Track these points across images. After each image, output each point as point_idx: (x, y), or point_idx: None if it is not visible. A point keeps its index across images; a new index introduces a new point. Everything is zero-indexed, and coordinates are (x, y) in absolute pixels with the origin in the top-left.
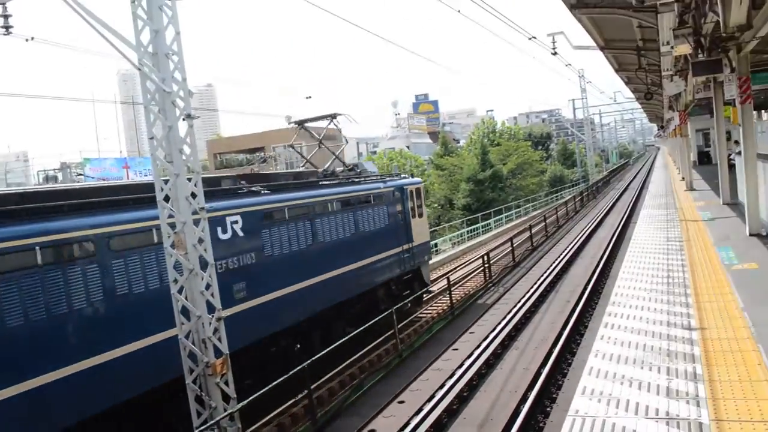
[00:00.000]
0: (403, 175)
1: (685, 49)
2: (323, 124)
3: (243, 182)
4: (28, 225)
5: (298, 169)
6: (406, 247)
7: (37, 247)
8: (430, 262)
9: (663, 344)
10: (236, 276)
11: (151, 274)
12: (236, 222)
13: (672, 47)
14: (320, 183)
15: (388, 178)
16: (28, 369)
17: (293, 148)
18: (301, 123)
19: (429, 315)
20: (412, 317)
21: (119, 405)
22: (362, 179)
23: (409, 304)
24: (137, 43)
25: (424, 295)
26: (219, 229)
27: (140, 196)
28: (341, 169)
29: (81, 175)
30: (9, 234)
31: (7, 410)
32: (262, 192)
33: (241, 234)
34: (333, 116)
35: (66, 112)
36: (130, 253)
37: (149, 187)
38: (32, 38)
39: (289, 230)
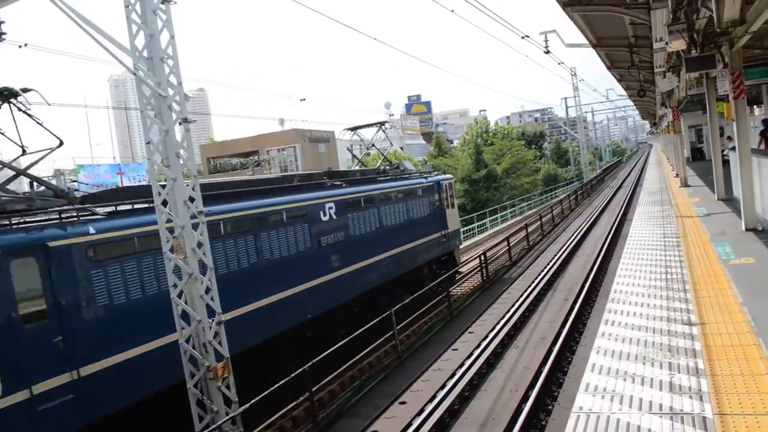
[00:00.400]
0: (435, 172)
1: (679, 45)
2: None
3: (325, 178)
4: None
5: (360, 168)
6: (443, 232)
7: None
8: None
9: (664, 340)
10: (333, 249)
11: (281, 246)
12: (332, 208)
13: (666, 43)
14: (378, 179)
15: (426, 175)
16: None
17: (350, 151)
18: (354, 129)
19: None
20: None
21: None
22: (408, 176)
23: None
24: (132, 47)
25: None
26: (321, 213)
27: (273, 187)
28: (388, 167)
29: (75, 181)
30: (133, 222)
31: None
32: (343, 185)
33: (334, 217)
34: (382, 124)
35: (58, 118)
36: (259, 231)
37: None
38: (26, 45)
39: (364, 216)
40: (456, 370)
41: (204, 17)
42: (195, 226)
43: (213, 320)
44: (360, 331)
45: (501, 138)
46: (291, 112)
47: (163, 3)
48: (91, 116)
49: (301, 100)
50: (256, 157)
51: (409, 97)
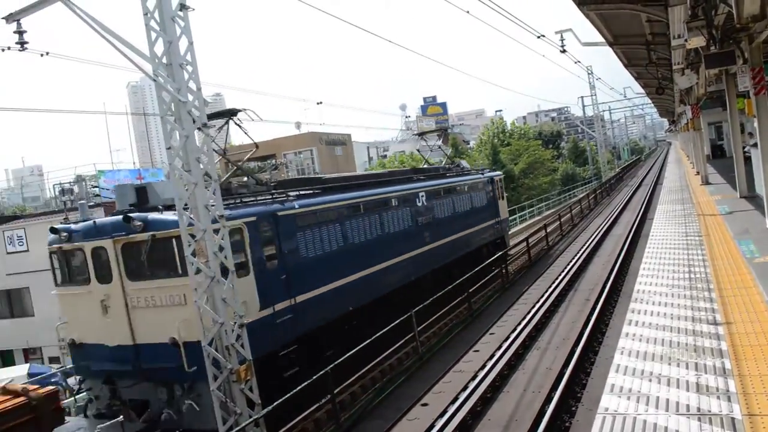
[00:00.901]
0: (487, 169)
1: (698, 41)
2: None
3: (413, 174)
4: (320, 198)
5: (435, 165)
6: (497, 219)
7: (313, 213)
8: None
9: (689, 340)
10: (425, 228)
11: (387, 224)
12: (423, 195)
13: (685, 40)
14: (447, 174)
15: (483, 171)
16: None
17: (419, 152)
18: (421, 134)
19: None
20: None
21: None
22: (468, 172)
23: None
24: (151, 54)
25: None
26: (416, 200)
27: (371, 182)
28: (449, 165)
29: (96, 187)
30: (329, 199)
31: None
32: (425, 179)
33: (425, 203)
34: (444, 130)
35: (79, 124)
36: (366, 213)
37: (375, 175)
38: (47, 53)
39: (443, 203)
40: (478, 371)
41: (219, 22)
42: (216, 231)
43: (235, 323)
44: (380, 333)
45: (518, 138)
46: (308, 115)
47: (181, 10)
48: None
49: (318, 103)
50: (274, 161)
51: (424, 99)
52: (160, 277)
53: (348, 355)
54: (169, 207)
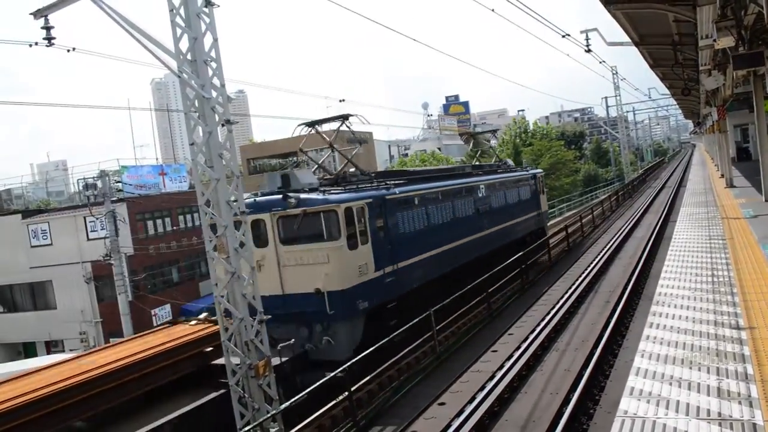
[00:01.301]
0: (530, 167)
1: (727, 42)
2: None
3: (472, 169)
4: (411, 186)
5: (489, 163)
6: (538, 211)
7: (407, 199)
8: None
9: (711, 344)
10: (484, 215)
11: (457, 210)
12: (482, 188)
13: (714, 40)
14: (498, 170)
15: (527, 168)
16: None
17: (470, 153)
18: (470, 134)
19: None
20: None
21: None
22: (515, 169)
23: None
24: (176, 50)
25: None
26: (477, 191)
27: (445, 174)
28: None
29: (119, 182)
30: (416, 187)
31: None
32: (481, 174)
33: (484, 194)
34: (494, 131)
35: (103, 120)
36: (445, 200)
37: (444, 169)
38: (73, 49)
39: (496, 195)
40: (495, 371)
41: (243, 19)
42: (237, 226)
43: (255, 319)
44: (387, 338)
45: (540, 138)
46: (330, 113)
47: (206, 6)
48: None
49: (341, 101)
50: (295, 158)
51: (447, 98)
52: (308, 242)
53: (369, 351)
54: (313, 189)
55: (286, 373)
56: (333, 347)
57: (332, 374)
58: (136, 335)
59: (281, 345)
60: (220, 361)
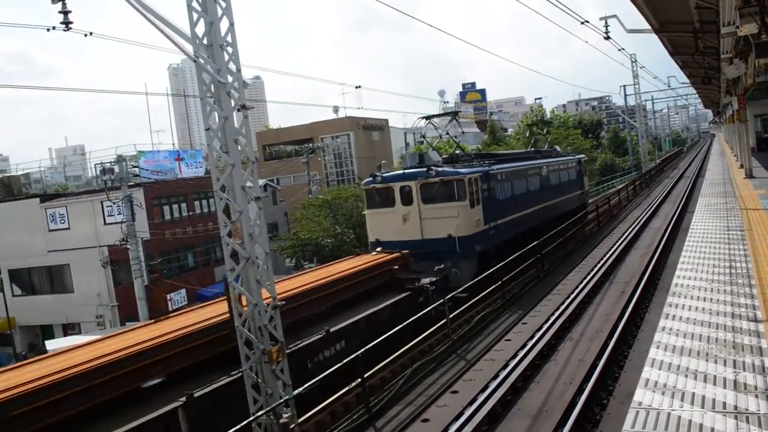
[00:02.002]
0: (572, 153)
1: (751, 28)
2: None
3: (535, 153)
4: (502, 164)
5: (545, 149)
6: (582, 190)
7: (501, 174)
8: None
9: (728, 336)
10: (547, 190)
11: (530, 185)
12: (544, 168)
13: (737, 27)
14: (552, 155)
15: (573, 154)
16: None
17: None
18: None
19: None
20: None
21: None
22: (564, 154)
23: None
24: (192, 35)
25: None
26: (542, 170)
27: (518, 156)
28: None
29: (136, 167)
30: (504, 166)
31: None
32: (541, 157)
33: (546, 173)
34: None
35: (120, 105)
36: (522, 177)
37: (518, 153)
38: (91, 33)
39: (555, 174)
40: (509, 360)
41: (259, 5)
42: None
43: (269, 304)
44: (398, 328)
45: (557, 127)
46: (346, 99)
47: None
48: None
49: (357, 87)
50: (311, 145)
51: (463, 85)
52: (443, 201)
53: (378, 341)
54: (438, 165)
55: (430, 294)
56: (459, 277)
57: (347, 360)
58: (334, 262)
59: (437, 268)
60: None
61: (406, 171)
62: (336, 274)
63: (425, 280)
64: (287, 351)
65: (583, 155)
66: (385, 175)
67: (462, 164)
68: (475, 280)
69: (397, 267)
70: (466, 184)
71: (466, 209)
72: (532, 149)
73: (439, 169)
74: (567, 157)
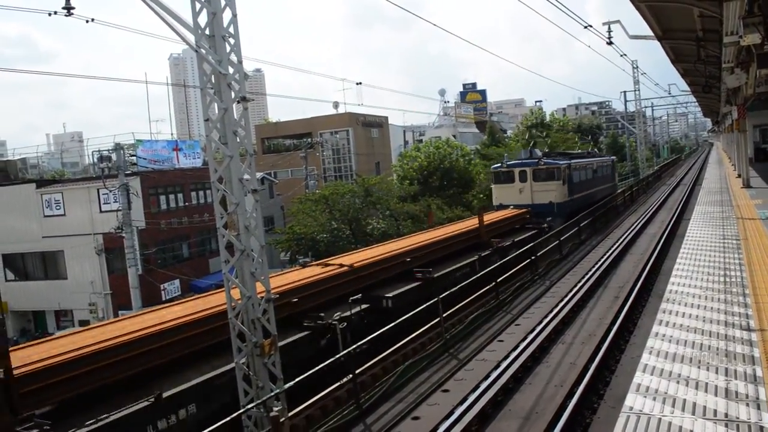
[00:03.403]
0: (605, 155)
1: (754, 38)
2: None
3: (586, 153)
4: (574, 160)
5: (586, 151)
6: (613, 183)
7: (575, 166)
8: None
9: (720, 344)
10: (595, 179)
11: (587, 175)
12: (594, 164)
13: (740, 37)
14: (593, 156)
15: (607, 155)
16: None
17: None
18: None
19: None
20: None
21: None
22: (601, 155)
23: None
24: (195, 25)
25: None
26: (593, 165)
27: (581, 155)
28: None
29: (133, 155)
30: (574, 161)
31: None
32: (589, 156)
33: (594, 168)
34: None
35: (120, 94)
36: (597, 170)
37: (578, 153)
38: (92, 19)
39: (599, 170)
40: (501, 361)
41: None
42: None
43: (263, 297)
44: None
45: (556, 130)
46: (346, 95)
47: None
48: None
49: (357, 83)
50: (309, 139)
51: (464, 85)
52: (547, 181)
53: (372, 336)
54: (539, 158)
55: (546, 230)
56: (555, 224)
57: (339, 355)
58: (485, 214)
59: (548, 219)
60: None
61: (522, 161)
62: (492, 219)
63: (544, 225)
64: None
65: (614, 157)
66: (508, 163)
67: (554, 158)
68: (563, 225)
69: (528, 216)
70: (561, 171)
71: (560, 186)
72: (585, 151)
73: (545, 160)
74: (605, 157)
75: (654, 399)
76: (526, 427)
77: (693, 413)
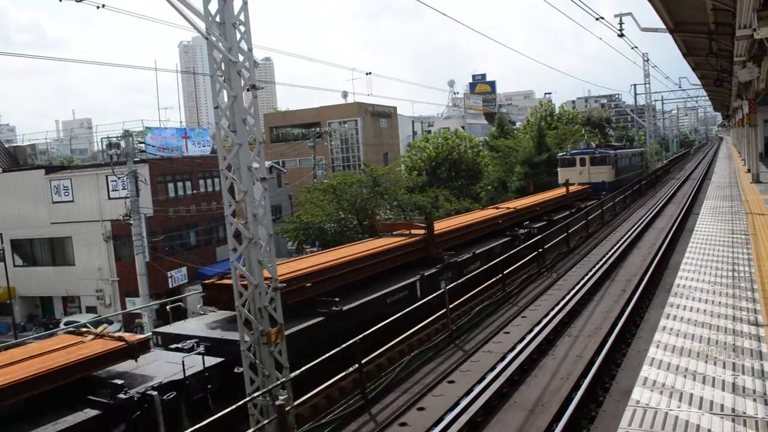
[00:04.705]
0: (633, 145)
1: None
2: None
3: (626, 143)
4: (618, 150)
5: (621, 143)
6: (641, 168)
7: (619, 154)
8: None
9: (728, 339)
10: (630, 165)
11: (625, 162)
12: (630, 152)
13: (754, 30)
14: (627, 146)
15: (638, 146)
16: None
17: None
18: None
19: None
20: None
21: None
22: (634, 146)
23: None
24: (205, 12)
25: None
26: (629, 154)
27: (622, 147)
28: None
29: (142, 143)
30: (617, 151)
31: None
32: (612, 147)
33: (630, 155)
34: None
35: (129, 80)
36: (632, 158)
37: (620, 144)
38: (103, 6)
39: (633, 158)
40: (507, 353)
41: None
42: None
43: (270, 286)
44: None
45: (565, 123)
46: (356, 85)
47: None
48: (160, 80)
49: (367, 73)
50: (318, 129)
51: (473, 76)
52: (600, 165)
53: (378, 326)
54: (593, 149)
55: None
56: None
57: (347, 344)
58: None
59: (602, 193)
60: None
61: (581, 150)
62: (574, 190)
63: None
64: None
65: (643, 148)
66: (571, 152)
67: (604, 149)
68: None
69: (590, 191)
70: (611, 158)
71: (610, 169)
72: (623, 144)
73: (599, 150)
74: (638, 149)
75: (660, 393)
76: (532, 419)
77: (700, 408)
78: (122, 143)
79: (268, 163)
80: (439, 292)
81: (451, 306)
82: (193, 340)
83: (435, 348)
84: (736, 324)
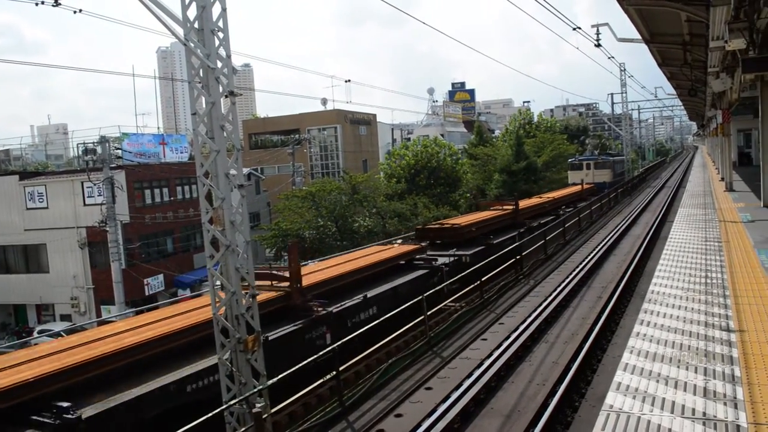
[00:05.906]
0: (621, 154)
1: (739, 44)
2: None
3: (615, 153)
4: (613, 157)
5: (610, 152)
6: (623, 175)
7: (614, 161)
8: None
9: (700, 344)
10: (618, 170)
11: (619, 167)
12: (619, 160)
13: (726, 42)
14: (613, 155)
15: (622, 155)
16: (616, 176)
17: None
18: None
19: None
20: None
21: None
22: (615, 154)
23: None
24: (184, 18)
25: None
26: (619, 161)
27: (615, 154)
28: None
29: (119, 149)
30: (613, 157)
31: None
32: (609, 155)
33: (618, 162)
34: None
35: (106, 85)
36: (622, 164)
37: (616, 153)
38: (80, 10)
39: (621, 164)
40: (484, 359)
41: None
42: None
43: (247, 293)
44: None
45: (543, 131)
46: (335, 92)
47: None
48: (138, 86)
49: (346, 81)
50: (297, 136)
51: (453, 84)
52: (602, 169)
53: (356, 333)
54: (596, 156)
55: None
56: (606, 191)
57: (322, 352)
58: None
59: (606, 190)
60: None
61: (587, 157)
62: (576, 189)
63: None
64: None
65: (625, 156)
66: (579, 158)
67: (605, 156)
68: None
69: (595, 189)
70: (610, 163)
71: (609, 172)
72: (617, 152)
73: (601, 157)
74: (624, 156)
75: (634, 398)
76: (508, 425)
77: (672, 412)
78: (98, 149)
79: (246, 170)
80: (418, 299)
81: (429, 313)
82: None
83: (413, 355)
84: (708, 330)
